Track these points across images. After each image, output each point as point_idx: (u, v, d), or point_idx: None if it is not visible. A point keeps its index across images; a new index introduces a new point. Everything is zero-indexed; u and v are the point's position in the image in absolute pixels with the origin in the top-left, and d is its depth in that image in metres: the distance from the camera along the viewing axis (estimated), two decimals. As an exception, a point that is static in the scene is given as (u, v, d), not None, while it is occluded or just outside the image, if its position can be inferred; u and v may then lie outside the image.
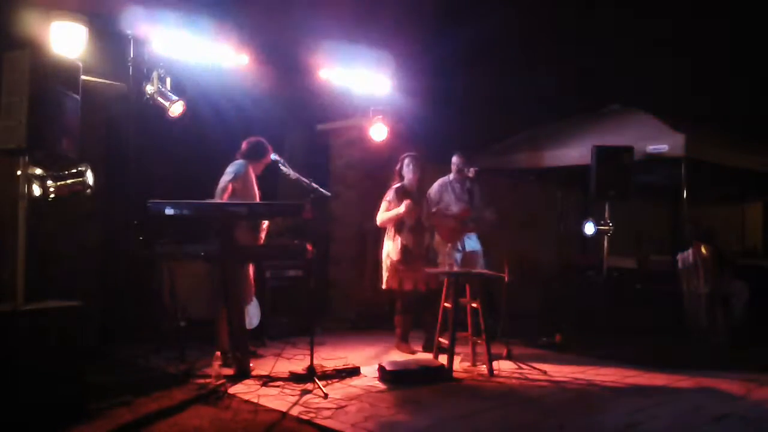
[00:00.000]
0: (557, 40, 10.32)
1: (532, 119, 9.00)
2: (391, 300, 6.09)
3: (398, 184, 5.71)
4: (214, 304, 4.91)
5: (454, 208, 5.88)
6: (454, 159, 6.06)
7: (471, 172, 5.96)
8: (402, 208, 5.46)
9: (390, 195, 5.67)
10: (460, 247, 5.96)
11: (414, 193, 5.67)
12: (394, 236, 5.64)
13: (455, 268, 5.18)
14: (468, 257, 5.94)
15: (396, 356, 5.45)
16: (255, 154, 5.07)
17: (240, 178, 4.92)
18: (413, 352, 5.58)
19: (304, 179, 4.86)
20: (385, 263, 5.68)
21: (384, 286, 5.70)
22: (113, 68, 5.36)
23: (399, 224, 5.60)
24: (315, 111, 7.47)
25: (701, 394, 4.41)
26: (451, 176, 6.06)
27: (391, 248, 5.64)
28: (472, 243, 6.03)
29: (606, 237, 6.84)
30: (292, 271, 6.07)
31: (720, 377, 4.83)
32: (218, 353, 4.55)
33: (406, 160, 5.76)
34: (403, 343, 5.69)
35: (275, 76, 6.19)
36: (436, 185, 6.06)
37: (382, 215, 5.66)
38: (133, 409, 3.88)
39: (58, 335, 3.46)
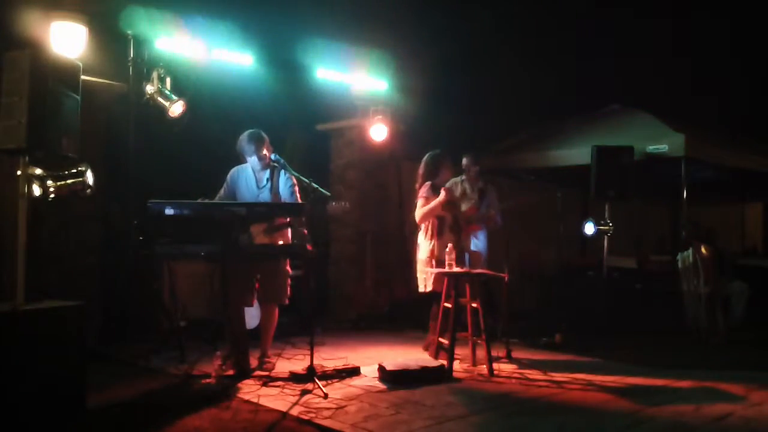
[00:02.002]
0: (558, 40, 10.32)
1: (532, 119, 9.00)
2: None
3: (430, 182, 5.57)
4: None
5: (462, 207, 5.85)
6: (463, 160, 6.07)
7: (472, 172, 5.97)
8: (442, 196, 5.27)
9: (424, 191, 5.52)
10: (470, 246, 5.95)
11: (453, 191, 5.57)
12: (433, 236, 5.49)
13: (456, 268, 5.16)
14: (474, 256, 5.94)
15: (395, 356, 5.44)
16: (240, 150, 4.95)
17: (230, 184, 4.90)
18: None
19: (304, 179, 4.85)
20: (428, 264, 5.48)
21: (426, 289, 5.51)
22: (113, 68, 5.37)
23: (439, 224, 5.47)
24: (315, 111, 7.48)
25: (701, 394, 4.40)
26: (463, 176, 6.03)
27: (435, 248, 5.45)
28: (479, 242, 6.04)
29: (606, 237, 6.84)
30: (292, 271, 6.07)
31: (720, 377, 4.83)
32: (218, 353, 4.55)
33: (442, 159, 5.62)
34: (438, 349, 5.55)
35: (275, 76, 6.19)
36: (447, 184, 5.99)
37: (421, 210, 5.48)
38: (132, 409, 3.89)
39: (58, 335, 3.46)
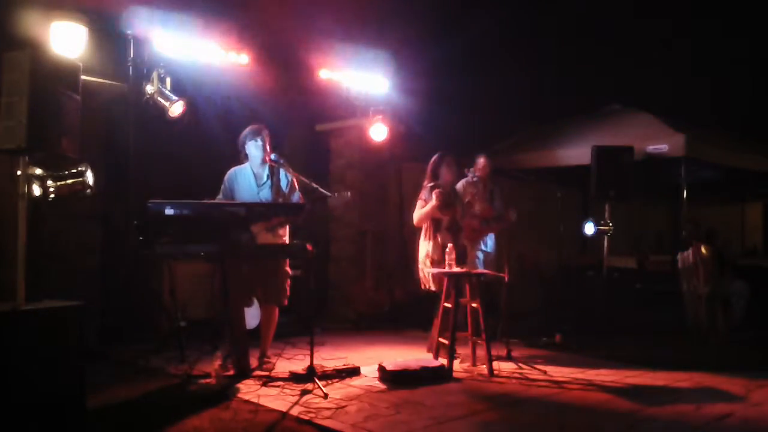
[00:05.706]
0: (558, 40, 10.33)
1: (532, 119, 9.01)
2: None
3: (432, 184, 5.55)
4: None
5: (477, 208, 5.84)
6: (480, 160, 6.08)
7: (488, 171, 5.99)
8: (433, 200, 5.28)
9: (425, 194, 5.51)
10: (482, 247, 5.94)
11: (449, 193, 5.54)
12: (431, 236, 5.48)
13: (455, 268, 5.16)
14: (488, 257, 5.95)
15: (396, 356, 5.44)
16: (241, 145, 4.92)
17: (227, 185, 4.88)
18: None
19: (304, 179, 4.84)
20: (425, 264, 5.50)
21: (427, 288, 5.51)
22: (113, 68, 5.37)
23: (435, 224, 5.46)
24: (315, 111, 7.49)
25: (701, 394, 4.40)
26: (475, 176, 6.00)
27: (430, 249, 5.46)
28: (489, 242, 6.05)
29: (606, 237, 6.84)
30: (292, 271, 6.08)
31: (720, 377, 4.83)
32: (218, 353, 4.56)
33: (443, 160, 5.58)
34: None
35: (275, 76, 6.19)
36: (459, 184, 5.91)
37: (418, 212, 5.49)
38: (132, 409, 3.89)
39: (58, 335, 3.46)
